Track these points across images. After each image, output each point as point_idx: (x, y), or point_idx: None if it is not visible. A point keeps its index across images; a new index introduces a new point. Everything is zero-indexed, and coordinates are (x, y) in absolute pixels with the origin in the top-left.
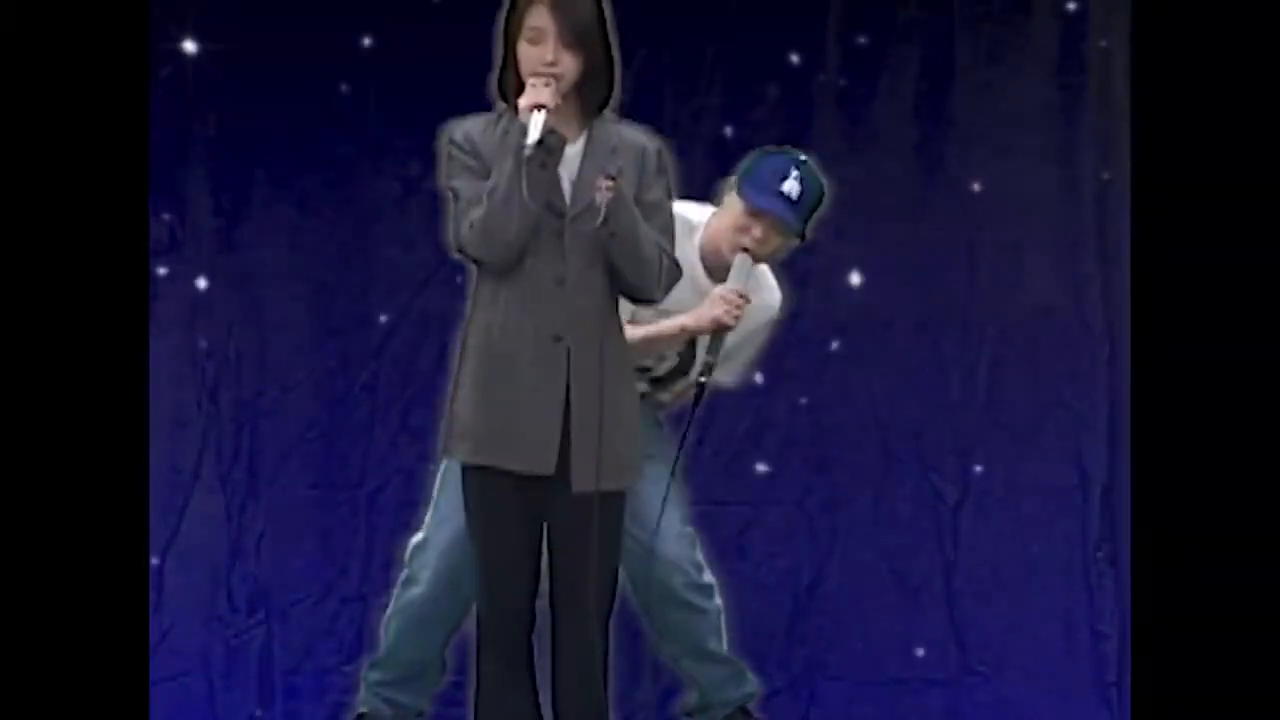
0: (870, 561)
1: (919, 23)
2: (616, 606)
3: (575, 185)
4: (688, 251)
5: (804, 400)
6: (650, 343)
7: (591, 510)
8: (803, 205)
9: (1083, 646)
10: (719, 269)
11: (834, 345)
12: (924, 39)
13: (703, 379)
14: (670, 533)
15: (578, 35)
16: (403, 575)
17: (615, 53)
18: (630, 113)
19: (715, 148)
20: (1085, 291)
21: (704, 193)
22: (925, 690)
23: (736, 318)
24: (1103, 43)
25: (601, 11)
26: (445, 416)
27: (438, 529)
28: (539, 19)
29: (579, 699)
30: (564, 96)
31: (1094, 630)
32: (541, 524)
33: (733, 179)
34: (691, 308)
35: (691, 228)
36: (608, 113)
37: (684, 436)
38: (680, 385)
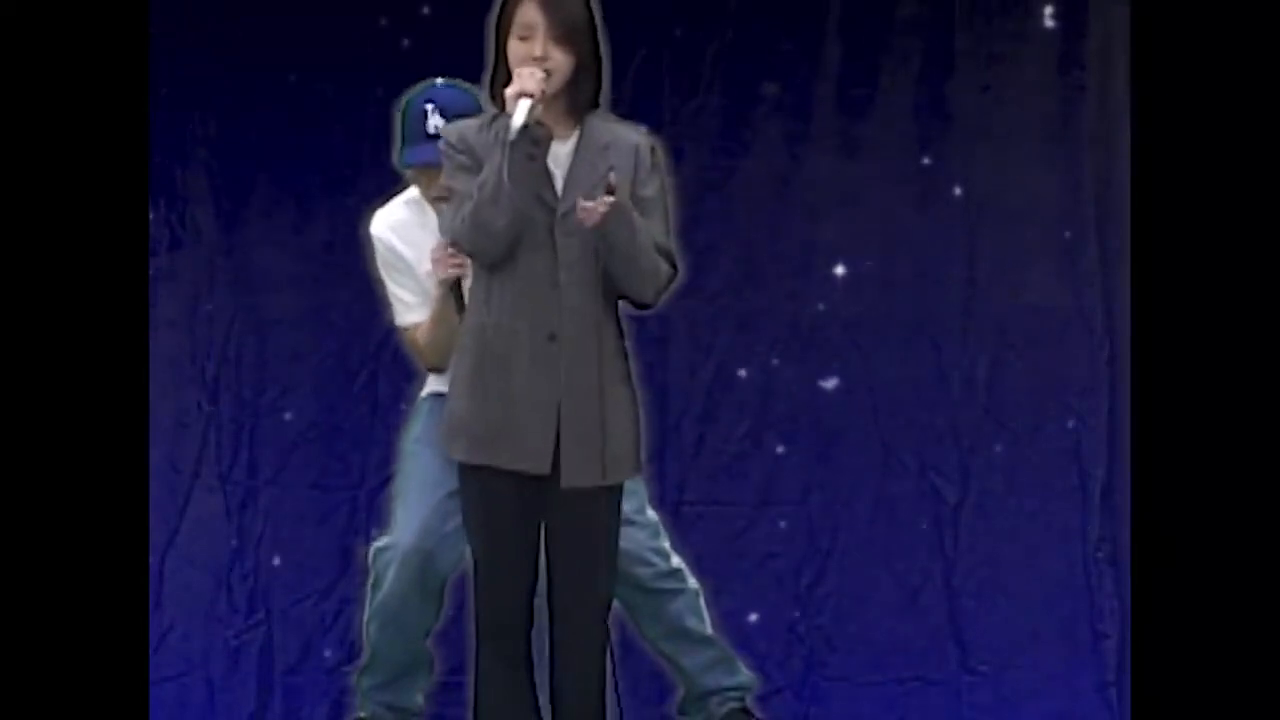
0: (870, 561)
1: (919, 22)
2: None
3: (567, 182)
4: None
5: (804, 400)
6: None
7: (587, 508)
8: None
9: (1083, 646)
10: None
11: (833, 345)
12: (924, 39)
13: None
14: (626, 525)
15: (567, 31)
16: (370, 579)
17: (604, 51)
18: (630, 113)
19: (715, 148)
20: (1085, 291)
21: (703, 193)
22: (925, 690)
23: (460, 267)
24: (1103, 43)
25: (590, 10)
26: (443, 416)
27: (399, 534)
28: (529, 15)
29: (577, 697)
30: (555, 95)
31: (1094, 630)
32: (539, 522)
33: (395, 158)
34: None
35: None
36: (600, 110)
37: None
38: None
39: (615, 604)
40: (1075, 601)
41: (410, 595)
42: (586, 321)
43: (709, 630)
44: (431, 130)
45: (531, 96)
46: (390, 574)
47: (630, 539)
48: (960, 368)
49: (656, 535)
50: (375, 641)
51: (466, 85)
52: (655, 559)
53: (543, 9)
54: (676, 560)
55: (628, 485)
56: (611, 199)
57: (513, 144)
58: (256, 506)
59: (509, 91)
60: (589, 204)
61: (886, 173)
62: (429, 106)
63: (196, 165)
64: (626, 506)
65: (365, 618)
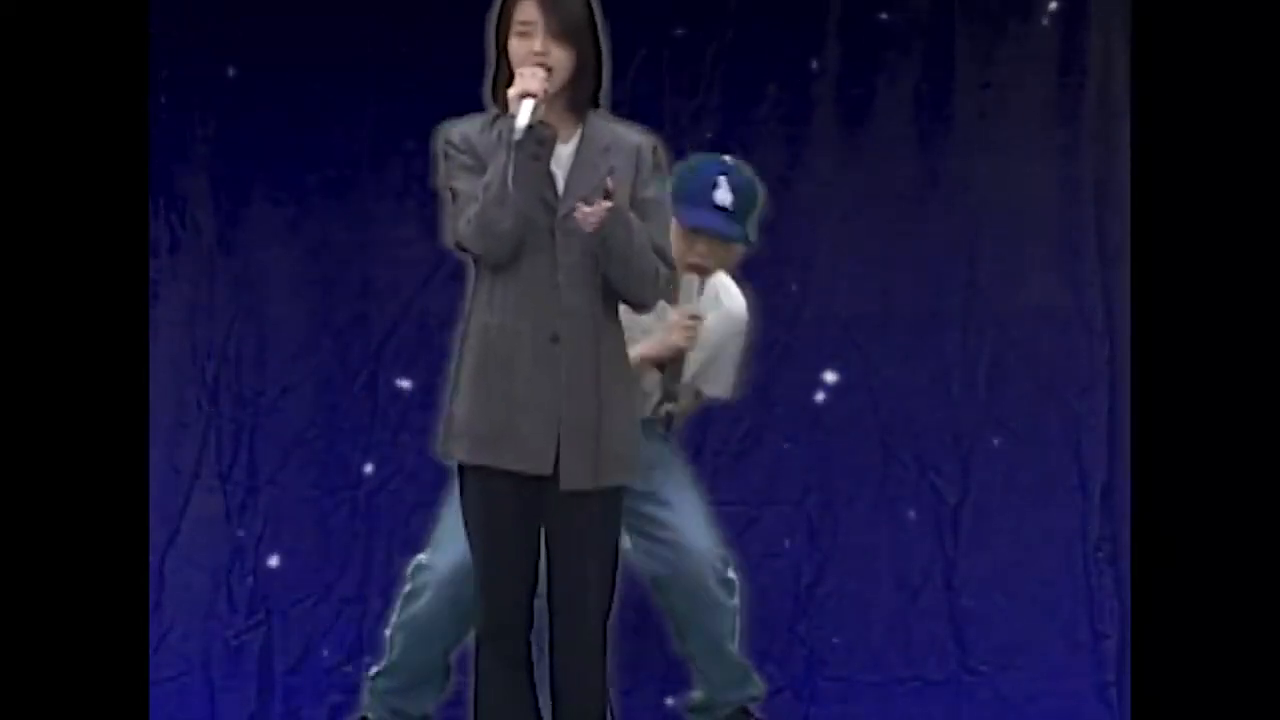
0: (870, 561)
1: (919, 23)
2: (616, 605)
3: (568, 183)
4: None
5: (804, 399)
6: None
7: (588, 510)
8: (738, 212)
9: (1083, 646)
10: None
11: (834, 345)
12: (924, 38)
13: (667, 407)
14: (700, 528)
15: (566, 28)
16: (406, 589)
17: (605, 50)
18: (630, 113)
19: (715, 148)
20: (1085, 291)
21: None
22: (925, 690)
23: (691, 339)
24: (1103, 43)
25: (590, 7)
26: (443, 417)
27: (439, 552)
28: (528, 13)
29: (577, 699)
30: (555, 94)
31: (1094, 630)
32: (539, 524)
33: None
34: (648, 330)
35: None
36: (601, 111)
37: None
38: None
39: (660, 603)
40: (1075, 601)
41: (441, 616)
42: (586, 323)
43: (737, 650)
44: (718, 202)
45: (535, 96)
46: (427, 594)
47: (707, 540)
48: (960, 367)
49: (720, 543)
50: (400, 652)
51: (753, 184)
52: (719, 564)
53: (541, 5)
54: (732, 572)
55: (681, 479)
56: (609, 204)
57: (518, 144)
58: (256, 506)
59: (511, 91)
60: (586, 208)
61: (886, 172)
62: (721, 179)
63: (196, 165)
64: (700, 515)
65: (393, 624)
